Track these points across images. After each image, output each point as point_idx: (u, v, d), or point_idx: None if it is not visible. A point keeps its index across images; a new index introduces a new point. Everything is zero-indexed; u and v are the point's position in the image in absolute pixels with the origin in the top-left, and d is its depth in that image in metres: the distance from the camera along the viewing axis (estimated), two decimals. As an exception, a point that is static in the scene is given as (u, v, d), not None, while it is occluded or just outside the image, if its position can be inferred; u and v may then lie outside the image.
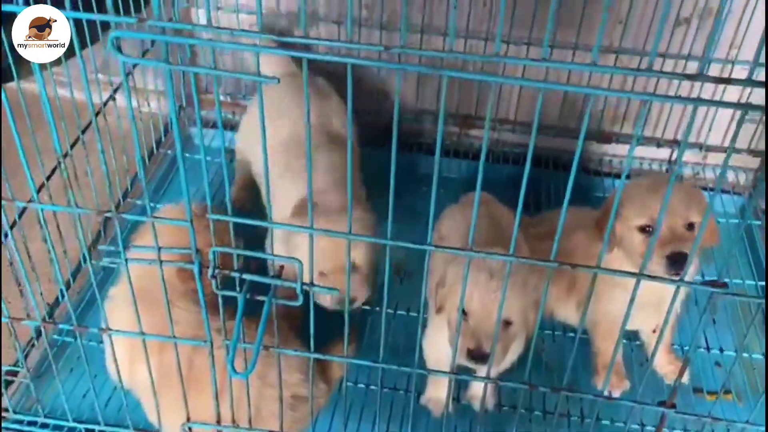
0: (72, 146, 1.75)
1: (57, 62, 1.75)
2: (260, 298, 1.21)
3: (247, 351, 1.29)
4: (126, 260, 1.23)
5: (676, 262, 1.50)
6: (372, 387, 1.72)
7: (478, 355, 1.34)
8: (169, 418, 1.47)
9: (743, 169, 2.37)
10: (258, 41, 0.97)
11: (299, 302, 1.20)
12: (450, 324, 1.44)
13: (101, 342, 1.78)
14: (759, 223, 2.20)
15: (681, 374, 1.23)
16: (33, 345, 1.76)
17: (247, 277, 1.19)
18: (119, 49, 0.94)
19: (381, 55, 0.95)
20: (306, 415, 1.55)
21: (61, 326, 1.41)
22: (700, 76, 0.91)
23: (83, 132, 1.79)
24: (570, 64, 0.93)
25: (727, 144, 2.33)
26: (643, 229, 1.58)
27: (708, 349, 1.86)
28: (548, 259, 1.15)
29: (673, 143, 2.38)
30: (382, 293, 1.24)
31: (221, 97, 2.47)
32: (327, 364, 1.68)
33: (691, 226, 1.54)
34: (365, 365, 1.34)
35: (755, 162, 2.36)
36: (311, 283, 1.19)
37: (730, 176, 2.38)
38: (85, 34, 1.63)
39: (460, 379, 1.26)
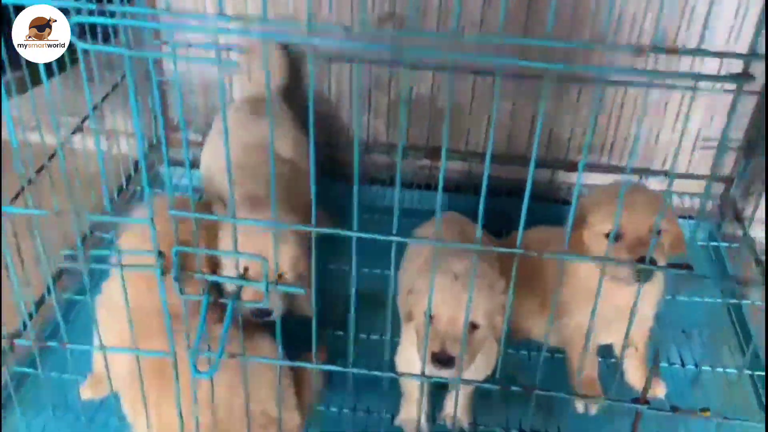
0: (38, 171, 1.73)
1: (23, 89, 1.77)
2: (223, 300, 1.19)
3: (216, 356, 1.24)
4: (89, 266, 1.20)
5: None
6: (345, 410, 1.67)
7: (443, 358, 1.32)
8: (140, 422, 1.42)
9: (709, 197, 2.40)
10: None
11: (266, 304, 1.18)
12: (418, 331, 1.42)
13: (64, 373, 1.74)
14: (726, 245, 2.23)
15: (655, 365, 1.22)
16: (-9, 378, 1.70)
17: (209, 277, 1.17)
18: (81, 34, 0.94)
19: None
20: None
21: (19, 341, 1.36)
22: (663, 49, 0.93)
23: (50, 159, 1.78)
24: (527, 39, 0.94)
25: (691, 171, 2.36)
26: (609, 236, 1.58)
27: (683, 364, 1.84)
28: (514, 250, 1.13)
29: (641, 171, 2.40)
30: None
31: (191, 136, 2.48)
32: (301, 389, 1.64)
33: (658, 233, 1.54)
34: (336, 372, 1.31)
35: (720, 187, 2.40)
36: (276, 282, 1.17)
37: (697, 203, 2.40)
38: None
39: (432, 381, 1.23)
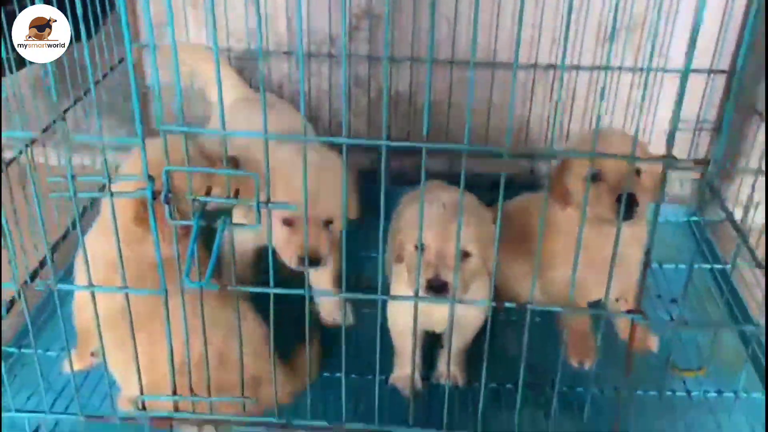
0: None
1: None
2: (215, 224, 1.19)
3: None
4: (75, 194, 1.19)
5: (626, 204, 1.51)
6: (338, 374, 1.64)
7: (437, 284, 1.32)
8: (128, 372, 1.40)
9: (686, 180, 2.46)
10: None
11: (258, 225, 1.18)
12: (408, 266, 1.41)
13: (48, 350, 1.72)
14: (702, 218, 2.31)
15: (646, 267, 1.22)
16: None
17: (201, 198, 1.17)
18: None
19: None
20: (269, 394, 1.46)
21: (6, 285, 1.33)
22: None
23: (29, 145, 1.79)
24: None
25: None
26: (591, 178, 1.60)
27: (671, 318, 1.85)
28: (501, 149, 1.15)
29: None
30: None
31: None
32: (295, 364, 1.62)
33: (638, 172, 1.57)
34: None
35: (696, 172, 2.45)
36: (267, 201, 1.17)
37: (675, 187, 2.46)
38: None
39: (424, 300, 1.22)
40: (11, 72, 1.76)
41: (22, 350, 1.70)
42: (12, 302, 1.66)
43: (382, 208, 1.15)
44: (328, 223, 1.56)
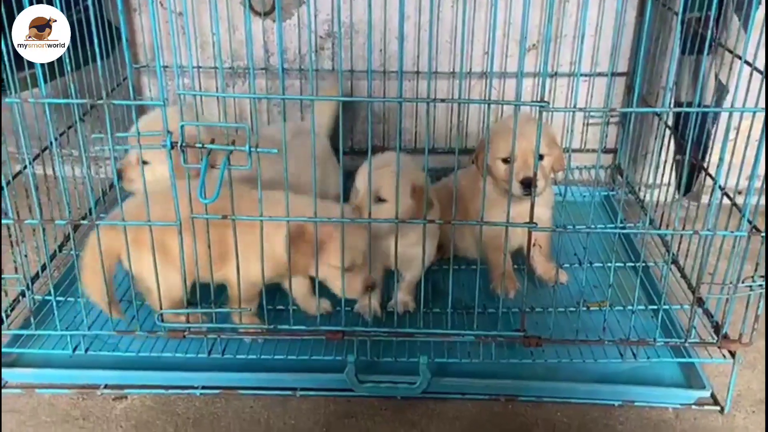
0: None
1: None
2: (216, 167, 1.62)
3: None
4: (111, 149, 1.62)
5: (527, 184, 1.98)
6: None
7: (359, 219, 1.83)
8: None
9: (602, 167, 2.95)
10: None
11: (249, 166, 1.61)
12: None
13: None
14: (614, 193, 2.82)
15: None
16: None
17: (208, 146, 1.60)
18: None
19: None
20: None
21: (58, 222, 1.74)
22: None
23: (58, 138, 2.20)
24: None
25: (585, 146, 2.92)
26: (504, 160, 2.07)
27: (580, 263, 2.28)
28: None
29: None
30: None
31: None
32: None
33: (541, 157, 2.01)
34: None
35: (608, 159, 2.95)
36: (257, 148, 1.61)
37: (592, 174, 2.92)
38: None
39: (372, 222, 1.71)
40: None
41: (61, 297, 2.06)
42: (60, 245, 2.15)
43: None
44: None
